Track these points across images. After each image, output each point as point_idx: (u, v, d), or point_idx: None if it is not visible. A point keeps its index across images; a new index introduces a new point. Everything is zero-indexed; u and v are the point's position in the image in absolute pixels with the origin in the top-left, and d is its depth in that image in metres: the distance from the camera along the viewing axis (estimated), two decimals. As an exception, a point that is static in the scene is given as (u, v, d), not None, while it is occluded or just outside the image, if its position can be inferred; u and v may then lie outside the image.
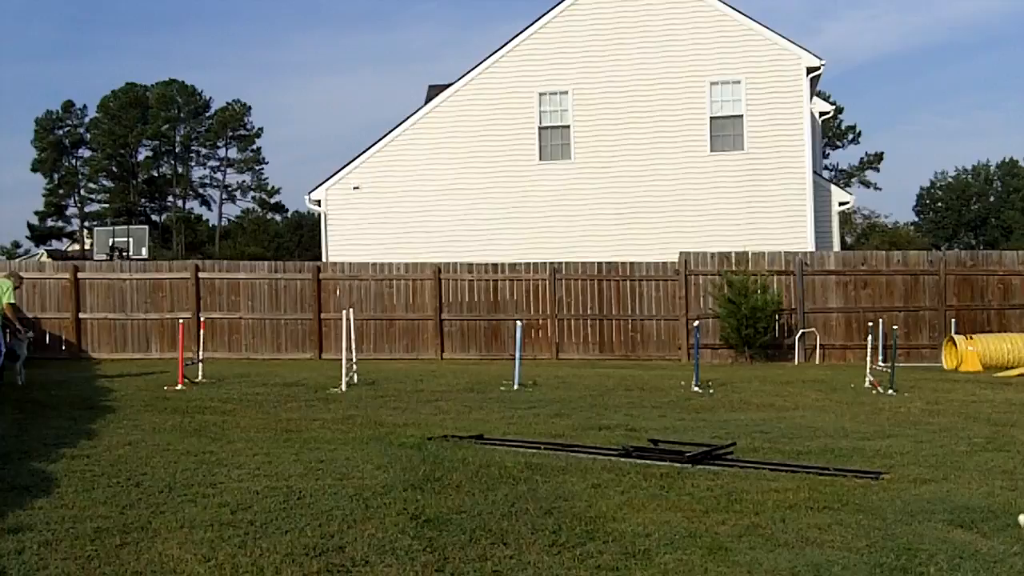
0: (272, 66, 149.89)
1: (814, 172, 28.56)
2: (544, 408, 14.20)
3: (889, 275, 24.48)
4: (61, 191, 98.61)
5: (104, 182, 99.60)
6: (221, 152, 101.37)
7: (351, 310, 19.56)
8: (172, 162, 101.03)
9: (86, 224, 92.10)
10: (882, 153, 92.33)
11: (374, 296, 25.38)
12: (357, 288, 25.37)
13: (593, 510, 7.52)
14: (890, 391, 16.20)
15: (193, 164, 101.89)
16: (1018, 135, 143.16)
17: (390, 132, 29.61)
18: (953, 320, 24.04)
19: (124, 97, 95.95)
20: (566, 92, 28.77)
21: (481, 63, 29.28)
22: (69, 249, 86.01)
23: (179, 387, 16.82)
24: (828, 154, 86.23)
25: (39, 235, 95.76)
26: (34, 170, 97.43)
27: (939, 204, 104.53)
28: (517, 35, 29.20)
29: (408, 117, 29.64)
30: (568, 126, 28.74)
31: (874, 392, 16.37)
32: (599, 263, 25.33)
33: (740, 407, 14.53)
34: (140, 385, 17.38)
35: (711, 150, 28.12)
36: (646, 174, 28.19)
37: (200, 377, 18.23)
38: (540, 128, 28.84)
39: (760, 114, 27.86)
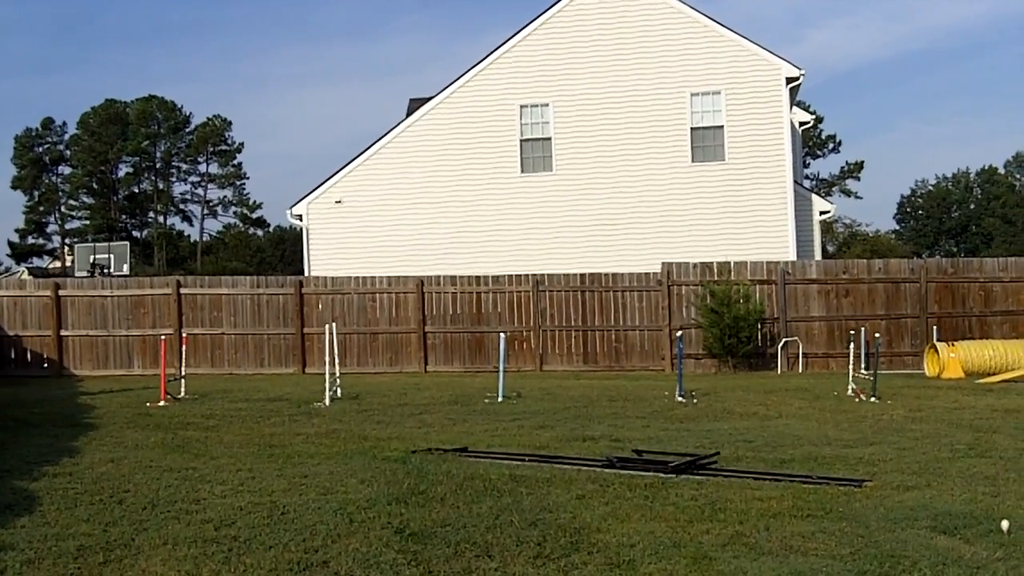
0: (253, 80, 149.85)
1: (795, 182, 28.67)
2: (528, 420, 14.19)
3: (871, 283, 24.57)
4: (41, 208, 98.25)
5: (85, 199, 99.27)
6: (202, 167, 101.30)
7: (334, 324, 19.54)
8: (153, 178, 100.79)
9: (67, 241, 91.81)
10: (863, 162, 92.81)
11: (357, 310, 25.34)
12: (340, 302, 25.34)
13: (577, 521, 7.53)
14: (872, 399, 16.26)
15: (174, 180, 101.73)
16: (998, 142, 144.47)
17: (372, 146, 29.59)
18: (935, 327, 24.14)
19: (104, 113, 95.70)
20: (547, 104, 28.82)
21: (462, 76, 29.31)
22: (50, 266, 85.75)
23: (162, 403, 16.77)
24: (809, 164, 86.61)
25: (20, 253, 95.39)
26: (14, 188, 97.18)
27: (920, 212, 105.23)
28: (498, 48, 29.24)
29: (390, 131, 29.63)
30: (549, 138, 28.79)
31: (857, 400, 16.42)
32: (582, 274, 25.35)
33: (724, 416, 14.56)
34: (122, 402, 17.32)
35: (692, 161, 28.20)
36: (628, 185, 28.25)
37: (183, 393, 18.17)
38: (522, 140, 28.87)
39: (741, 124, 27.96)
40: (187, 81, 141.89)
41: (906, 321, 24.49)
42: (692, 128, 28.22)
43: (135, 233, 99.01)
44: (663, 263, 25.00)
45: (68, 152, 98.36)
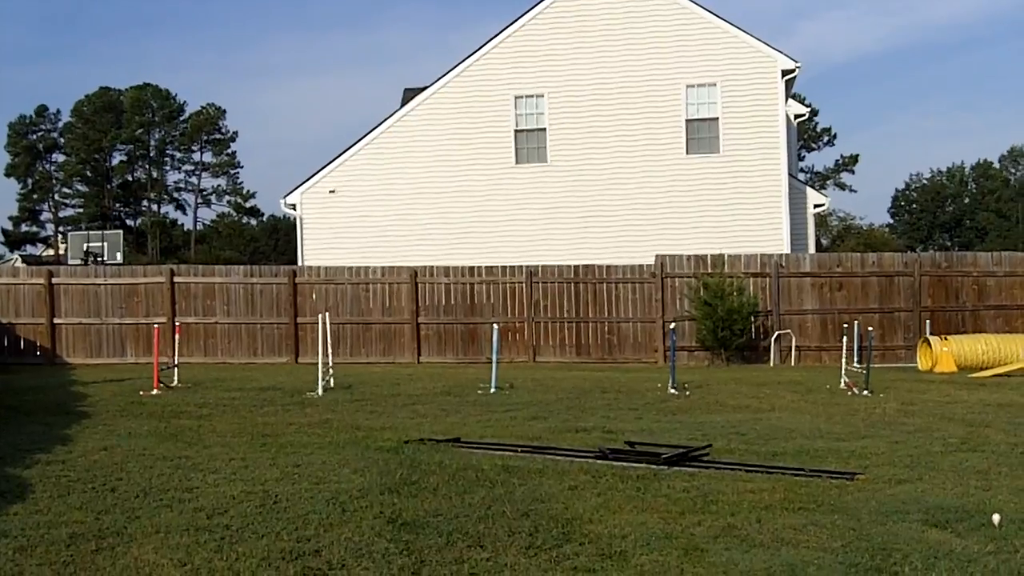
0: (247, 69, 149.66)
1: (789, 174, 28.67)
2: (521, 411, 14.19)
3: (864, 277, 24.60)
4: (35, 196, 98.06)
5: (78, 187, 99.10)
6: (196, 156, 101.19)
7: (327, 314, 19.52)
8: (147, 166, 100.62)
9: (60, 229, 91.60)
10: (857, 155, 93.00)
11: (350, 300, 25.32)
12: (333, 292, 25.31)
13: (569, 512, 7.53)
14: (865, 392, 16.28)
15: (168, 168, 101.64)
16: (993, 136, 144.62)
17: (366, 135, 29.55)
18: (928, 321, 24.17)
19: (98, 101, 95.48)
20: (542, 95, 28.79)
21: (456, 66, 29.26)
22: (43, 254, 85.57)
23: (154, 392, 16.74)
24: (803, 156, 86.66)
25: (13, 240, 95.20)
26: (7, 175, 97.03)
27: (914, 206, 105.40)
28: (493, 38, 29.19)
29: (384, 120, 29.58)
30: (544, 129, 28.75)
31: (849, 393, 16.44)
32: (575, 266, 25.34)
33: (716, 409, 14.57)
34: (115, 390, 17.29)
35: (687, 152, 28.17)
36: (622, 177, 28.23)
37: (176, 382, 18.15)
38: (516, 131, 28.84)
39: (736, 117, 27.94)
40: (181, 69, 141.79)
41: (899, 315, 24.53)
42: (687, 120, 28.20)
43: (128, 221, 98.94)
44: (657, 255, 25.00)
45: (62, 140, 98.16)
